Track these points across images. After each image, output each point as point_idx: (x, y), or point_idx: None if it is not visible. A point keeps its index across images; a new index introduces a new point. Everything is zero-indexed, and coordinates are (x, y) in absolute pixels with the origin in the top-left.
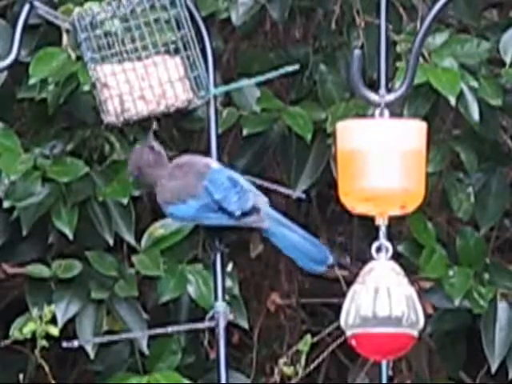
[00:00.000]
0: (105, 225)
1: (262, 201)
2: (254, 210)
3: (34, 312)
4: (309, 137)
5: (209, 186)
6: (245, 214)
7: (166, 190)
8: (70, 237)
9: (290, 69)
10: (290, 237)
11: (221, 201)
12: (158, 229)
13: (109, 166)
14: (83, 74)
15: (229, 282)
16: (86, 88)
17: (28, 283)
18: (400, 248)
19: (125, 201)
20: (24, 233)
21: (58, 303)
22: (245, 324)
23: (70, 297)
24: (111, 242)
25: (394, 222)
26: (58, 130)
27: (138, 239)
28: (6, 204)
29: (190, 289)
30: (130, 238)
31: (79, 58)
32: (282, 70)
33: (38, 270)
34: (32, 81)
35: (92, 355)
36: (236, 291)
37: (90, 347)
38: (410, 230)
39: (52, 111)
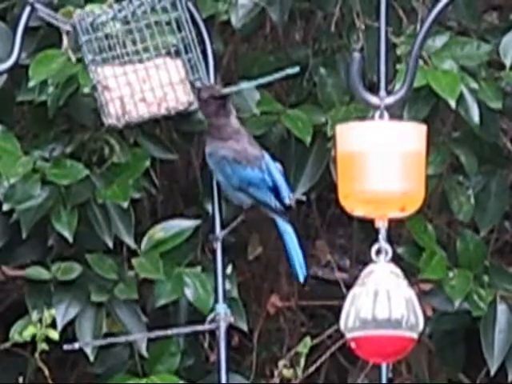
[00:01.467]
0: (104, 227)
1: None
2: (290, 207)
3: (34, 315)
4: (308, 140)
5: (268, 165)
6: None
7: (231, 148)
8: (70, 239)
9: (290, 71)
10: (295, 239)
11: (278, 184)
12: (158, 231)
13: (108, 169)
14: (83, 76)
15: (227, 285)
16: (86, 90)
17: (27, 286)
18: (400, 250)
19: (125, 204)
20: (24, 235)
21: (58, 306)
22: (244, 327)
23: (69, 299)
24: (111, 244)
25: (393, 224)
26: (57, 133)
27: (138, 242)
28: (6, 207)
29: (188, 292)
30: (129, 241)
31: (79, 61)
32: (283, 73)
33: (37, 272)
34: (31, 83)
35: (92, 358)
36: (235, 294)
37: (89, 350)
38: (410, 233)
39: (52, 114)
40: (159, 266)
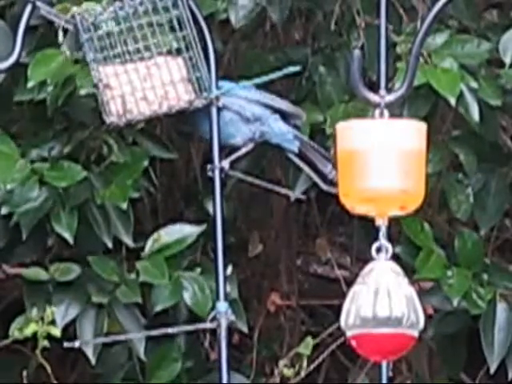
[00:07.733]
0: (104, 228)
1: None
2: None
3: (33, 313)
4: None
5: None
6: None
7: None
8: (71, 241)
9: (291, 70)
10: None
11: None
12: (163, 236)
13: (107, 168)
14: (80, 78)
15: (228, 286)
16: (83, 92)
17: (26, 286)
18: (397, 250)
19: (124, 205)
20: (23, 237)
21: (58, 306)
22: (244, 328)
23: (69, 300)
24: (110, 244)
25: (394, 222)
26: (55, 132)
27: (137, 241)
28: (4, 210)
29: (186, 296)
30: (128, 241)
31: (77, 61)
32: (283, 71)
33: (35, 273)
34: (30, 84)
35: (93, 360)
36: (235, 295)
37: (90, 351)
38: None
39: (51, 113)
40: (164, 270)
